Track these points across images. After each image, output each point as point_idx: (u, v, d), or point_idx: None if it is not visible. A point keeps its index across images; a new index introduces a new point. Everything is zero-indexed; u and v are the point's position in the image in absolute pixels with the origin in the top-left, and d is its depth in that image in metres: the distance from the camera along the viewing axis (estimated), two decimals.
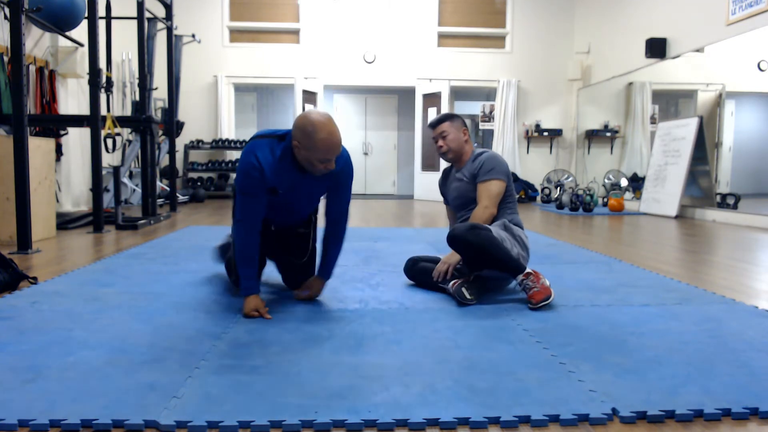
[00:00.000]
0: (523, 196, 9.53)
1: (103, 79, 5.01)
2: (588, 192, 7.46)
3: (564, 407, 1.35)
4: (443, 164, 10.36)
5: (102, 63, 5.17)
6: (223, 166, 9.56)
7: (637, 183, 8.36)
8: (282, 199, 2.21)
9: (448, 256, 2.53)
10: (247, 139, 9.58)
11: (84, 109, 6.51)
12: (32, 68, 5.88)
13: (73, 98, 6.76)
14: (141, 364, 1.60)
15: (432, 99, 9.72)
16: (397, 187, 11.80)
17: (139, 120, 5.72)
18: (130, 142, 7.07)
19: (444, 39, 9.92)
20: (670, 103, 8.63)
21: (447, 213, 2.95)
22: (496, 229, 2.46)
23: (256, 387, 1.45)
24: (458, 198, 2.73)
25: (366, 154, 11.80)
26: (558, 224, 5.89)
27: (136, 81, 7.51)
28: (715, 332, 1.97)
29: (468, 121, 11.92)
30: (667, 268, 3.27)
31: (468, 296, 2.32)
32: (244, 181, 2.10)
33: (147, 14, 6.11)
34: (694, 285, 2.77)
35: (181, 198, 8.27)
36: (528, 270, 2.33)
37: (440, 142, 2.69)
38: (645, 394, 1.43)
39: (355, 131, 11.72)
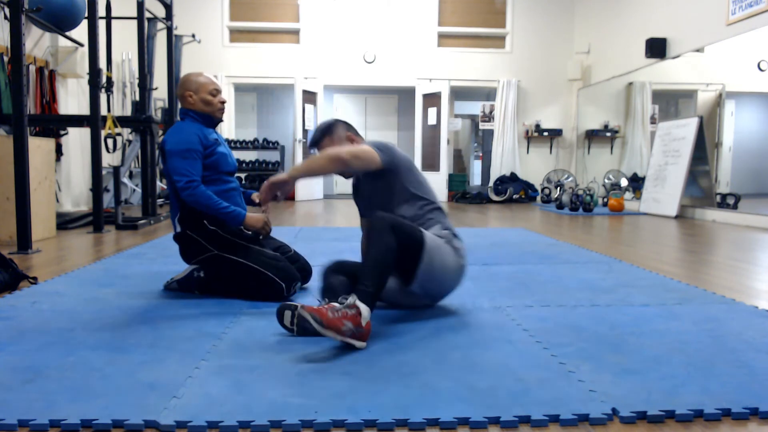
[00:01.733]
0: (523, 196, 9.53)
1: (103, 79, 5.01)
2: (588, 192, 7.46)
3: (564, 407, 1.34)
4: (443, 164, 10.23)
5: (102, 63, 5.17)
6: None
7: (637, 183, 8.36)
8: (225, 156, 2.53)
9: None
10: (248, 139, 9.46)
11: (84, 109, 6.51)
12: (32, 68, 5.88)
13: (73, 98, 6.76)
14: (141, 364, 1.60)
15: (432, 99, 9.72)
16: None
17: (139, 120, 5.72)
18: (130, 142, 7.07)
19: (444, 39, 9.91)
20: (670, 103, 8.63)
21: (361, 225, 2.43)
22: (432, 236, 2.04)
23: (256, 387, 1.45)
24: (366, 198, 2.34)
25: None
26: (558, 224, 5.89)
27: (136, 81, 7.50)
28: (715, 332, 1.97)
29: (468, 121, 11.92)
30: (667, 268, 3.27)
31: (286, 323, 1.87)
32: (186, 145, 2.38)
33: (147, 14, 6.11)
34: (694, 285, 2.77)
35: None
36: (357, 304, 1.74)
37: None
38: (645, 394, 1.43)
39: None
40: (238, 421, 1.26)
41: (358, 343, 1.73)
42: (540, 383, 1.49)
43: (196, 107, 2.49)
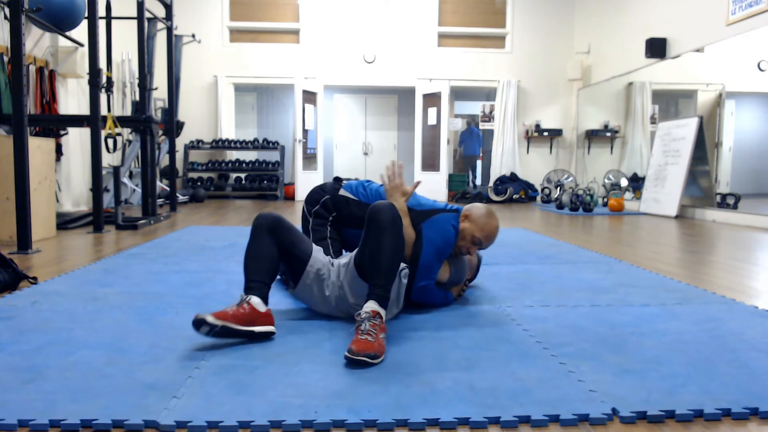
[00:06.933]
0: (523, 196, 9.53)
1: (103, 79, 5.00)
2: (588, 192, 7.46)
3: (564, 407, 1.34)
4: (443, 164, 10.21)
5: (102, 63, 5.17)
6: (223, 166, 9.56)
7: (637, 183, 8.36)
8: None
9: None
10: (248, 139, 9.42)
11: (84, 109, 6.52)
12: (32, 68, 5.88)
13: (73, 98, 6.76)
14: (141, 364, 1.60)
15: (432, 99, 9.72)
16: None
17: (139, 120, 5.72)
18: (130, 142, 7.07)
19: (444, 39, 9.92)
20: (670, 103, 8.63)
21: None
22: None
23: (256, 387, 1.45)
24: None
25: (366, 154, 11.81)
26: (558, 224, 5.89)
27: (136, 81, 7.50)
28: (715, 332, 1.97)
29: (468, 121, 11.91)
30: (667, 268, 3.27)
31: (201, 329, 1.73)
32: (447, 250, 2.25)
33: (147, 14, 6.11)
34: (694, 285, 2.77)
35: (181, 198, 8.27)
36: (380, 311, 1.79)
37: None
38: (645, 394, 1.43)
39: (355, 131, 11.72)
40: (238, 421, 1.26)
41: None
42: (540, 383, 1.49)
43: (460, 230, 2.33)
